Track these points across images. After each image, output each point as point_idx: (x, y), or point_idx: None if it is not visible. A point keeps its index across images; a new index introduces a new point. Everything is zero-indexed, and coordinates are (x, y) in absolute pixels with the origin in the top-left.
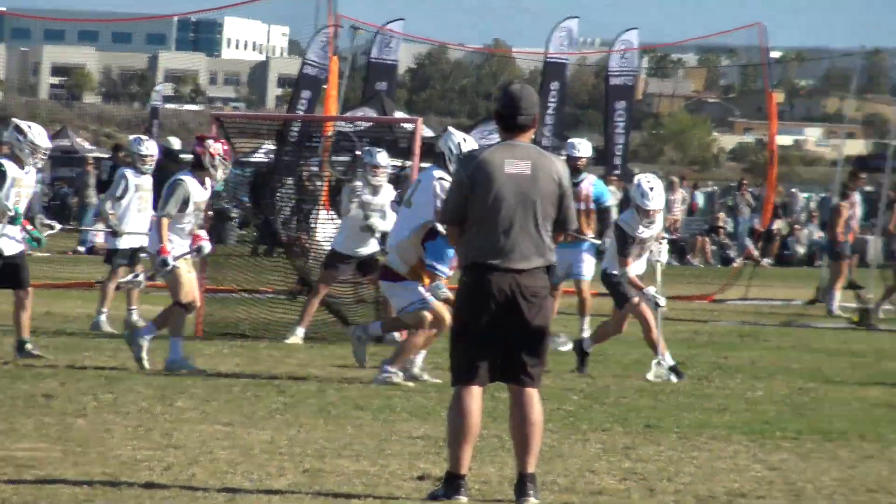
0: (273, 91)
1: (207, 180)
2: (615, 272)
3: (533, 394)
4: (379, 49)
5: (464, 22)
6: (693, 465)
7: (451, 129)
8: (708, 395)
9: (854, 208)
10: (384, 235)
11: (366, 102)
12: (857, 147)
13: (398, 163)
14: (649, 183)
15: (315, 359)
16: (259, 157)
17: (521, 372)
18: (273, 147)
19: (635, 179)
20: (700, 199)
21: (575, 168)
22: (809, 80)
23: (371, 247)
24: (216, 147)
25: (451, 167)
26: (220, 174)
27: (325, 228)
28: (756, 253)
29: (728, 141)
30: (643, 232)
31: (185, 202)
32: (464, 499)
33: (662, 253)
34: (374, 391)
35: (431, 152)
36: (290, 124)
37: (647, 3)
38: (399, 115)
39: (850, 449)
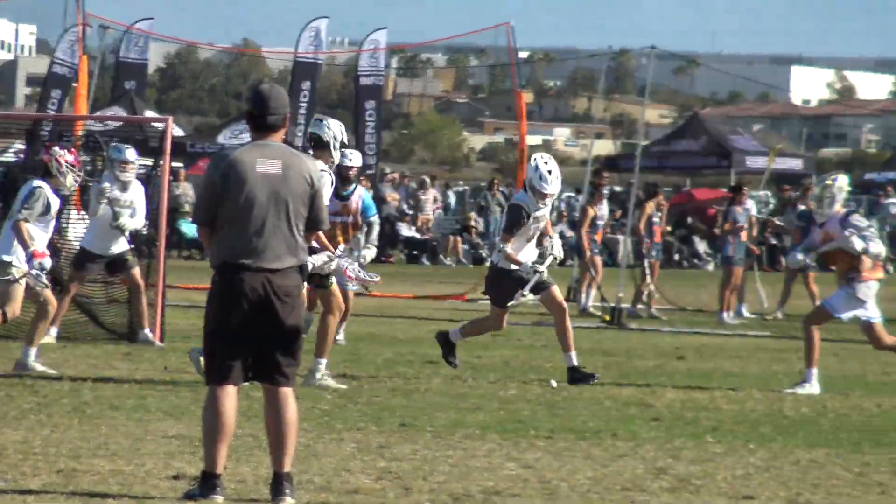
0: (22, 90)
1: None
2: (502, 266)
3: (287, 393)
4: (128, 48)
5: (213, 21)
6: (448, 463)
7: (320, 115)
8: (462, 395)
9: (602, 208)
10: (133, 235)
11: (115, 101)
12: (606, 147)
13: (149, 162)
14: (547, 165)
15: (68, 358)
16: (8, 157)
17: (275, 371)
18: (23, 146)
19: (532, 161)
20: (452, 199)
21: (346, 178)
22: (557, 81)
23: (121, 245)
24: (63, 154)
25: (336, 154)
26: (70, 181)
27: (76, 228)
28: None
29: (478, 141)
30: (537, 210)
31: (48, 208)
32: (219, 498)
33: (555, 247)
34: (128, 390)
35: (183, 151)
36: (41, 124)
37: (396, 2)
38: (149, 114)
39: (603, 447)
